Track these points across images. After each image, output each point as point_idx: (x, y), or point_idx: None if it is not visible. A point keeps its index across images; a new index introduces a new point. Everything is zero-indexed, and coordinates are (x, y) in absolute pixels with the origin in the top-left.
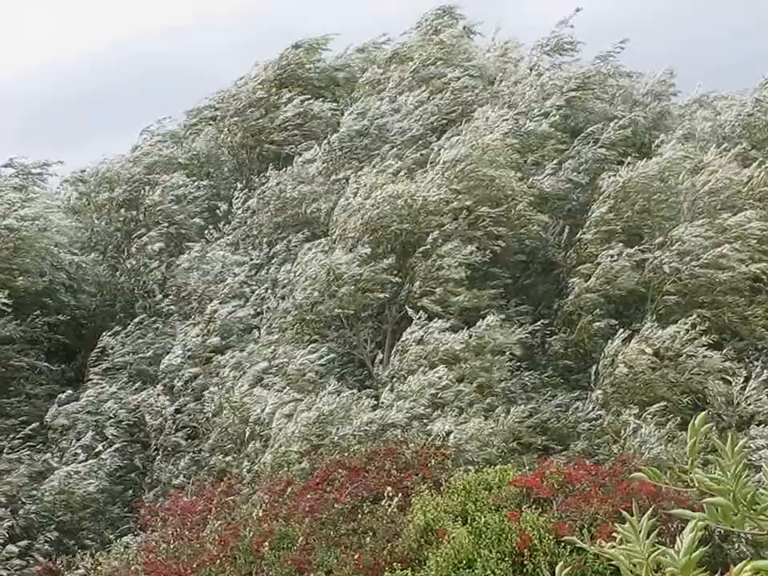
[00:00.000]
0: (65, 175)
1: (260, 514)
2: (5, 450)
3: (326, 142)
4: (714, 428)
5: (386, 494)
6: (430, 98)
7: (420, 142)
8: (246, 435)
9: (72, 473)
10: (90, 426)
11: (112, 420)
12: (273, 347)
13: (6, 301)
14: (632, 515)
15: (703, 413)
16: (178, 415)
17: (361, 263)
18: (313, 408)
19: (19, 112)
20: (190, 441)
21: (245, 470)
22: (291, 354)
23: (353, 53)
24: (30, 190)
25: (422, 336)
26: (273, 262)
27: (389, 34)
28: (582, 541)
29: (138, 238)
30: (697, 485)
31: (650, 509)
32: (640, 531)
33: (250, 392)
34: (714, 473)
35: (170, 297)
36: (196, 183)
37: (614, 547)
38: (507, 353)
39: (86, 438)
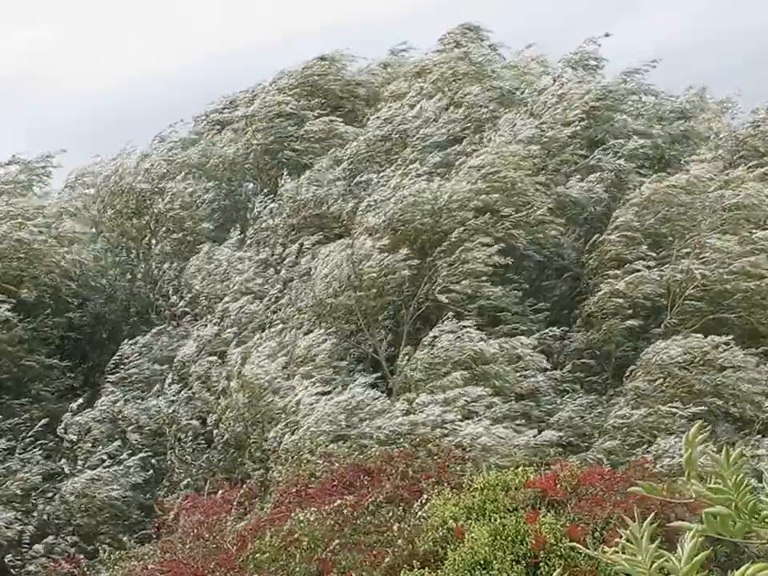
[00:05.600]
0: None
1: (271, 510)
2: (17, 450)
3: (353, 144)
4: (742, 434)
5: (404, 496)
6: (450, 107)
7: (441, 148)
8: (260, 413)
9: (94, 478)
10: (107, 432)
11: (133, 426)
12: (283, 333)
13: (10, 315)
14: (636, 522)
15: (698, 423)
16: (191, 402)
17: (383, 254)
18: (343, 395)
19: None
20: (201, 426)
21: (259, 454)
22: (299, 337)
23: (375, 67)
24: (34, 188)
25: (454, 336)
26: (286, 261)
27: (408, 45)
28: (587, 547)
29: (150, 244)
30: (695, 497)
31: (653, 515)
32: (642, 538)
33: (260, 366)
34: (713, 483)
35: (184, 299)
36: (205, 186)
37: (616, 552)
38: (533, 367)
39: (110, 447)
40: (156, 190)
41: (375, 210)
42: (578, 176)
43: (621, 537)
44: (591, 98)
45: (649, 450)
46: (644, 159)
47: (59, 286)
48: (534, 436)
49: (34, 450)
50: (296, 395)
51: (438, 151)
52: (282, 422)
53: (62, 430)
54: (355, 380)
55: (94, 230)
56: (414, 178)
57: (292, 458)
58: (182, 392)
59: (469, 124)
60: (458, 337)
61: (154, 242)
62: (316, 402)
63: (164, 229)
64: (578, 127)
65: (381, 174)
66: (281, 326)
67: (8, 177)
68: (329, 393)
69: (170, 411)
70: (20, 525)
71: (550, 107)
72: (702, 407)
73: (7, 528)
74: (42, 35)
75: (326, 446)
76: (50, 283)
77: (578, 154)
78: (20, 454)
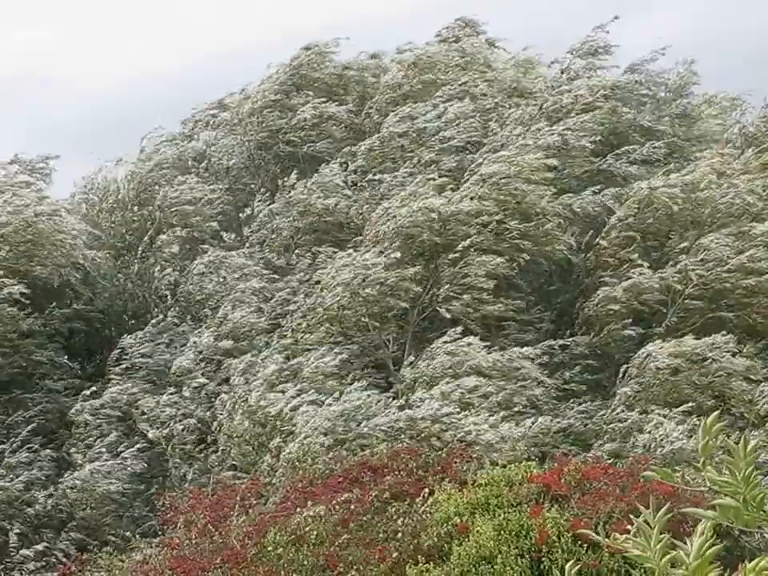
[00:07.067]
0: (76, 181)
1: (277, 507)
2: (14, 448)
3: (367, 142)
4: (733, 428)
5: (409, 492)
6: (471, 111)
7: (459, 153)
8: (264, 438)
9: (94, 471)
10: (113, 424)
11: (145, 416)
12: (288, 351)
13: (24, 291)
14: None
15: (716, 412)
16: (187, 419)
17: (388, 267)
18: (339, 402)
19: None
20: (200, 447)
21: (265, 470)
22: (306, 357)
23: (366, 58)
24: (34, 185)
25: (452, 348)
26: (296, 268)
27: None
28: (599, 536)
29: (150, 241)
30: (709, 484)
31: (665, 508)
32: (653, 530)
33: (264, 396)
34: (725, 475)
35: (182, 302)
36: (212, 187)
37: (626, 541)
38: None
39: (110, 438)
40: (159, 177)
41: (387, 217)
42: (588, 179)
43: (625, 530)
44: (600, 96)
45: (637, 441)
46: (656, 164)
47: (66, 273)
48: (530, 426)
49: (30, 447)
50: (294, 407)
51: (453, 155)
52: (279, 434)
53: (74, 414)
54: (361, 385)
55: (94, 226)
56: (430, 187)
57: (294, 467)
58: (180, 409)
59: (475, 113)
60: (460, 347)
61: (161, 237)
62: (314, 412)
63: (168, 223)
64: (597, 136)
65: (395, 176)
66: (283, 341)
67: (8, 177)
68: (327, 400)
69: (165, 433)
70: (14, 527)
71: (565, 108)
72: (692, 404)
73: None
74: (42, 35)
75: (325, 454)
76: (60, 270)
77: (590, 160)
78: (18, 449)
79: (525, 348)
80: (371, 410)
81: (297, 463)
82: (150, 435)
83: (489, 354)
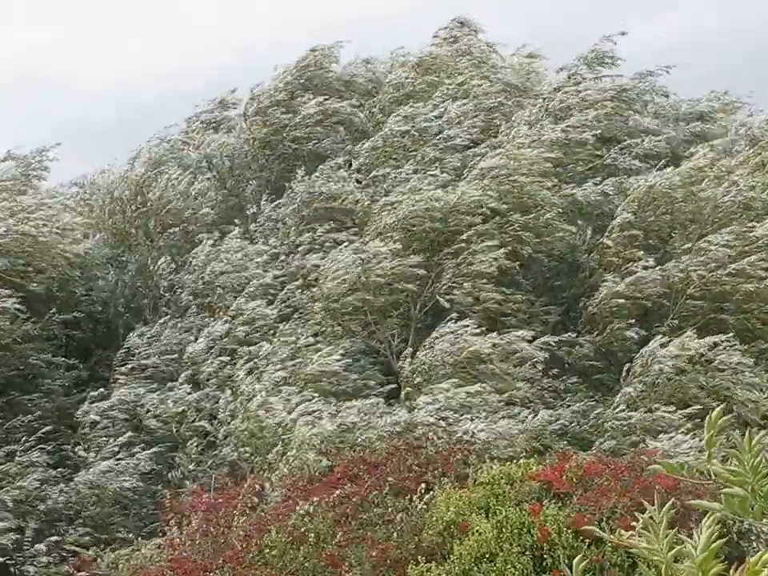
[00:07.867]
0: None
1: (280, 508)
2: (25, 447)
3: (370, 140)
4: (738, 429)
5: (410, 488)
6: (474, 110)
7: (461, 151)
8: (263, 443)
9: (107, 469)
10: (121, 424)
11: (150, 414)
12: (292, 347)
13: (19, 307)
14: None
15: (720, 406)
16: (201, 403)
17: (392, 257)
18: (337, 417)
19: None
20: (206, 442)
21: (264, 475)
22: (309, 353)
23: (365, 60)
24: (32, 184)
25: (452, 338)
26: (299, 251)
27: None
28: (602, 531)
29: (146, 238)
30: (714, 477)
31: (669, 502)
32: (660, 524)
33: (266, 401)
34: (732, 465)
35: (182, 297)
36: (208, 183)
37: (632, 537)
38: (531, 362)
39: (123, 438)
40: (157, 175)
41: (390, 209)
42: (592, 175)
43: (628, 526)
44: (607, 97)
45: (641, 444)
46: (658, 159)
47: (65, 279)
48: (531, 420)
49: (44, 447)
50: (298, 414)
51: (457, 153)
52: (281, 441)
53: (81, 415)
54: (370, 401)
55: (93, 223)
56: (431, 182)
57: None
58: (192, 394)
59: (478, 113)
60: (458, 338)
61: (158, 234)
62: (312, 427)
63: (164, 222)
64: (600, 130)
65: (398, 171)
66: (289, 333)
67: (5, 174)
68: (329, 411)
69: (179, 411)
70: (29, 523)
71: (571, 108)
72: (698, 407)
73: (13, 530)
74: (42, 35)
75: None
76: (57, 276)
77: (594, 154)
78: (29, 450)
79: (522, 332)
80: (375, 415)
81: (295, 473)
82: (164, 407)
83: (487, 337)
